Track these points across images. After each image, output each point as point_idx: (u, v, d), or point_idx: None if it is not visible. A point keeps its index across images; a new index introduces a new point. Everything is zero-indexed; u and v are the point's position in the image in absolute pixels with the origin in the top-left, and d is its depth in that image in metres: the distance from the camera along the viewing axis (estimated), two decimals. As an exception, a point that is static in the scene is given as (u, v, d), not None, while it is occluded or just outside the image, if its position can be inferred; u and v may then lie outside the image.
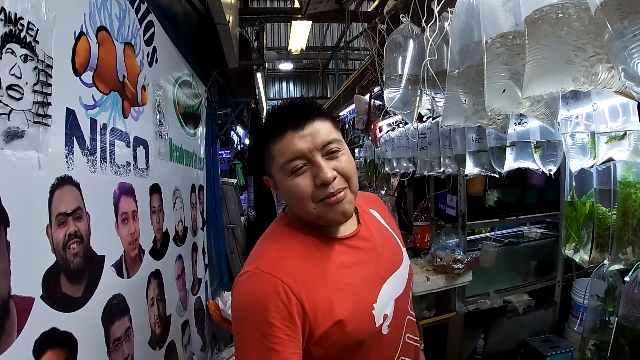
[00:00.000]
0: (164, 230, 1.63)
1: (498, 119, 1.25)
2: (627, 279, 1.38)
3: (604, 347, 1.51)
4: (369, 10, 3.70)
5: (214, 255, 2.97)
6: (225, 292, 2.58)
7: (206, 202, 2.71)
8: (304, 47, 7.26)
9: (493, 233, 3.31)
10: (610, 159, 1.26)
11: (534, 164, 1.60)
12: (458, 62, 1.32)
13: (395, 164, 3.25)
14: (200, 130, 2.55)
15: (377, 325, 0.91)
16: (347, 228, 0.99)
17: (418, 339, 1.09)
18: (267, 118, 0.95)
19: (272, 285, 0.82)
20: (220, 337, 2.77)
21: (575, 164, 1.36)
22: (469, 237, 2.96)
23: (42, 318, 0.77)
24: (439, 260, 2.60)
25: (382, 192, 4.08)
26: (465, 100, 1.27)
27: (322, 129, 0.89)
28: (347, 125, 6.01)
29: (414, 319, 1.10)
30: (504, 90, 1.04)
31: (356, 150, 5.72)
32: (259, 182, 4.04)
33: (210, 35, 2.45)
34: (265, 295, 0.81)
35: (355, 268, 0.94)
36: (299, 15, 3.75)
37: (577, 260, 1.56)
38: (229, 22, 2.25)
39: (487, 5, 1.13)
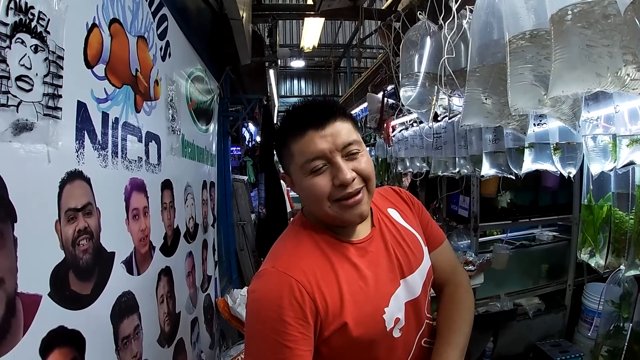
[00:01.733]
0: (174, 226, 1.61)
1: (518, 119, 1.21)
2: None
3: (617, 354, 1.51)
4: (383, 7, 3.67)
5: (223, 252, 2.97)
6: (235, 289, 2.58)
7: (217, 199, 2.70)
8: (316, 45, 7.24)
9: (505, 235, 3.27)
10: (632, 163, 1.22)
11: (552, 166, 1.55)
12: (478, 60, 1.29)
13: (408, 164, 3.21)
14: (212, 127, 2.54)
15: (387, 329, 0.92)
16: (361, 232, 1.00)
17: (432, 342, 1.05)
18: (287, 116, 0.95)
19: (287, 283, 0.84)
20: (229, 335, 2.77)
21: (596, 167, 1.32)
22: (480, 239, 2.91)
23: (50, 316, 0.75)
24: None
25: (394, 192, 4.04)
26: (485, 100, 1.23)
27: (343, 130, 0.90)
28: (359, 124, 5.97)
29: (433, 323, 1.07)
30: (528, 90, 1.01)
31: (368, 148, 5.68)
32: (270, 180, 4.03)
33: (223, 31, 2.43)
34: (280, 294, 0.83)
35: (367, 272, 0.94)
36: (312, 12, 3.72)
37: (592, 264, 1.54)
38: (243, 18, 2.23)
39: (508, 3, 1.10)
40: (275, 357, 0.81)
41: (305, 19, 5.32)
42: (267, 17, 3.56)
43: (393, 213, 1.11)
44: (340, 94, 10.61)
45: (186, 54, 1.88)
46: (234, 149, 4.68)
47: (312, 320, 0.84)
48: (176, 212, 1.64)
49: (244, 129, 4.75)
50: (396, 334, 0.94)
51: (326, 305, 0.86)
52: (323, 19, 5.04)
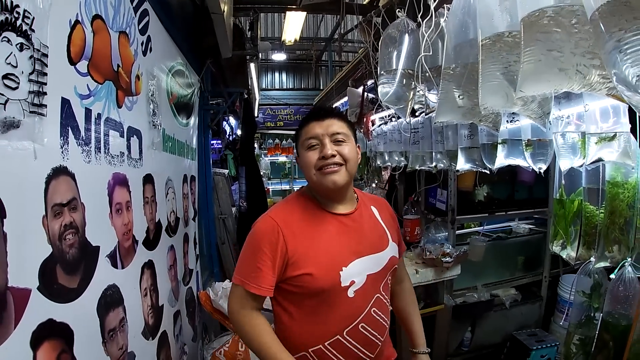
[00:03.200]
0: (156, 220, 1.62)
1: (491, 117, 1.26)
2: (612, 276, 1.41)
3: (588, 342, 1.54)
4: (364, 2, 3.69)
5: (205, 245, 2.97)
6: (216, 282, 2.59)
7: (197, 193, 2.70)
8: (297, 38, 7.21)
9: (482, 228, 3.36)
10: (600, 159, 1.28)
11: (524, 161, 1.62)
12: (453, 59, 1.33)
13: (387, 158, 3.26)
14: (193, 120, 2.54)
15: (342, 285, 1.21)
16: (344, 209, 1.32)
17: (387, 319, 1.33)
18: (305, 116, 1.34)
19: (271, 225, 1.22)
20: (211, 328, 2.78)
21: (565, 163, 1.39)
22: (458, 231, 2.99)
23: (39, 309, 0.77)
24: (428, 253, 2.63)
25: (373, 185, 4.09)
26: (459, 97, 1.28)
27: (335, 124, 1.27)
28: (354, 128, 5.97)
29: (386, 302, 1.34)
30: (498, 90, 1.05)
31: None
32: (251, 173, 4.03)
33: (204, 24, 2.42)
34: (265, 230, 1.22)
35: (338, 236, 1.26)
36: (294, 6, 3.72)
37: (564, 256, 1.59)
38: (224, 11, 2.23)
39: (483, 3, 1.13)
40: (249, 275, 1.19)
41: (287, 12, 5.30)
42: (248, 10, 3.55)
43: (375, 210, 1.42)
44: (321, 88, 10.59)
45: (167, 48, 1.88)
46: (215, 142, 4.66)
47: (279, 257, 1.18)
48: (157, 206, 1.65)
49: (224, 123, 4.72)
50: (350, 294, 1.22)
51: (295, 249, 1.19)
52: (305, 12, 5.03)
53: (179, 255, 2.03)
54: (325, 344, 1.22)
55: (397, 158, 3.07)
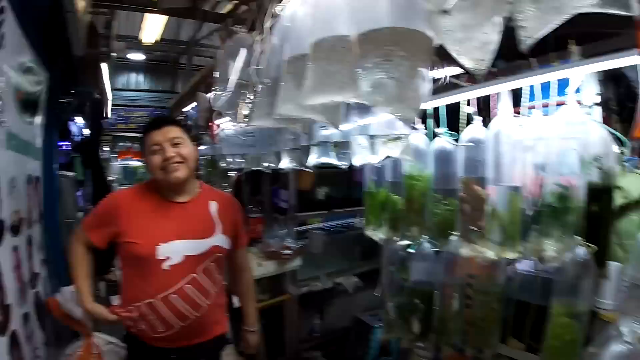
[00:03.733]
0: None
1: (299, 122, 1.50)
2: (411, 250, 1.76)
3: (404, 308, 1.82)
4: (223, 11, 3.85)
5: (51, 250, 2.79)
6: (64, 287, 2.49)
7: (42, 195, 2.56)
8: (158, 39, 6.99)
9: (325, 224, 3.81)
10: (388, 157, 1.58)
11: (332, 160, 1.92)
12: (268, 72, 1.55)
13: (229, 160, 3.39)
14: (39, 119, 2.43)
15: (156, 258, 1.54)
16: (180, 198, 1.68)
17: (204, 299, 1.61)
18: (146, 125, 1.68)
19: (115, 199, 1.71)
20: (64, 334, 2.63)
21: (358, 159, 1.70)
22: (302, 227, 3.36)
23: None
24: (269, 247, 2.94)
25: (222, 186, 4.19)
26: (267, 105, 1.49)
27: (172, 131, 1.62)
28: (190, 122, 5.85)
29: (205, 285, 1.63)
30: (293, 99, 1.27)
31: (200, 147, 5.59)
32: (97, 176, 3.86)
33: (59, 19, 2.34)
34: (108, 203, 1.69)
35: (165, 219, 1.61)
36: (153, 9, 3.73)
37: (376, 239, 1.91)
38: (79, 11, 2.21)
39: (292, 29, 1.34)
40: (90, 226, 1.67)
41: (145, 14, 5.16)
42: (107, 7, 3.44)
43: (212, 204, 1.74)
44: (178, 90, 10.26)
45: (19, 45, 1.83)
46: (64, 144, 4.29)
47: (112, 224, 1.60)
48: (2, 204, 1.62)
49: (71, 123, 4.39)
50: (165, 267, 1.54)
51: (128, 222, 1.58)
52: (165, 16, 4.98)
53: (24, 257, 1.96)
54: (143, 302, 1.54)
55: (237, 160, 3.21)
